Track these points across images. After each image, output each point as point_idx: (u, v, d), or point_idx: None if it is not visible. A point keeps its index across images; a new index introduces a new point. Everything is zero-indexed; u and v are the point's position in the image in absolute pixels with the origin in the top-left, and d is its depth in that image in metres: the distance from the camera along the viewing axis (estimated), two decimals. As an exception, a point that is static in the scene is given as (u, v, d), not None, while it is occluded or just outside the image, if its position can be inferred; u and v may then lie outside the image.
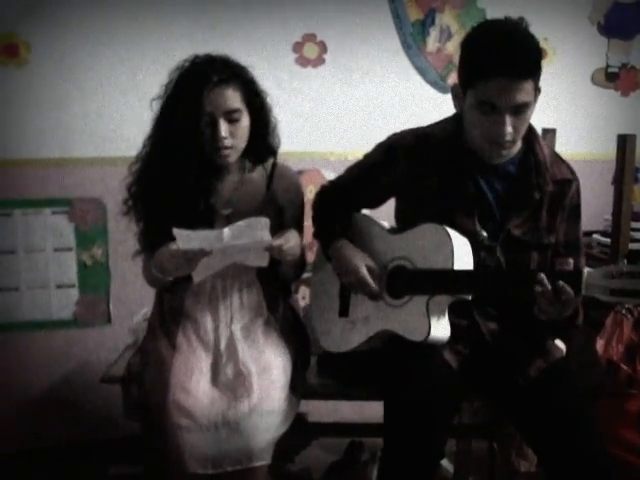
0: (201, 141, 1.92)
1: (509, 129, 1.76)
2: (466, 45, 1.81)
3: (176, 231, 1.80)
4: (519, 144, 1.88)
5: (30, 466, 2.83)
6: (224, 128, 1.90)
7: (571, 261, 1.74)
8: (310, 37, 3.00)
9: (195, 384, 1.89)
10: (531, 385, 1.85)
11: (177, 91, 1.92)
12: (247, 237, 1.84)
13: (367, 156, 2.06)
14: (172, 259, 1.88)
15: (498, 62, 1.70)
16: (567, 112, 3.26)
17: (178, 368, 1.92)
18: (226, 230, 1.82)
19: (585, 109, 3.36)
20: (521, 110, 1.75)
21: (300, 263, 2.10)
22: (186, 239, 1.82)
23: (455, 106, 1.90)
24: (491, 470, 2.40)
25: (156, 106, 1.97)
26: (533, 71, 1.75)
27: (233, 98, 1.91)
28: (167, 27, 2.84)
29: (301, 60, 3.01)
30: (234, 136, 1.93)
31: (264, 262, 1.92)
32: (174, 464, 1.85)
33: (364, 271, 1.94)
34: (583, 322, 1.93)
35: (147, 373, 1.99)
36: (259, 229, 1.83)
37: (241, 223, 1.84)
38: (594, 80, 3.38)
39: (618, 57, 3.39)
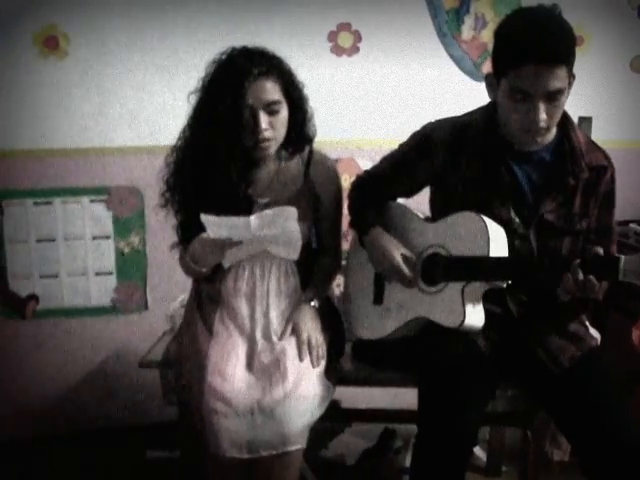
0: (241, 133, 1.93)
1: (543, 116, 1.75)
2: (498, 34, 1.81)
3: (204, 217, 1.83)
4: (554, 131, 1.87)
5: (67, 450, 2.87)
6: (264, 120, 1.91)
7: (600, 250, 1.70)
8: (345, 26, 2.99)
9: (231, 370, 1.91)
10: (565, 373, 1.84)
11: (217, 84, 1.92)
12: (274, 227, 1.86)
13: (402, 145, 2.06)
14: (202, 247, 1.91)
15: (529, 49, 1.69)
16: (605, 100, 3.21)
17: (215, 354, 1.94)
18: (253, 218, 1.84)
19: (623, 96, 3.29)
20: (555, 97, 1.73)
21: (335, 264, 2.17)
22: (214, 226, 1.85)
23: (489, 95, 1.89)
24: (524, 459, 2.39)
25: (193, 99, 1.98)
26: (565, 57, 1.73)
27: (273, 90, 1.92)
28: (203, 16, 2.85)
29: (336, 49, 3.01)
30: (274, 127, 1.94)
31: (294, 255, 1.94)
32: (210, 448, 1.87)
33: (399, 259, 1.95)
34: (619, 312, 1.92)
35: (184, 359, 2.02)
36: (286, 219, 1.85)
37: (268, 212, 1.85)
38: (633, 67, 3.31)
39: (659, 43, 3.32)
